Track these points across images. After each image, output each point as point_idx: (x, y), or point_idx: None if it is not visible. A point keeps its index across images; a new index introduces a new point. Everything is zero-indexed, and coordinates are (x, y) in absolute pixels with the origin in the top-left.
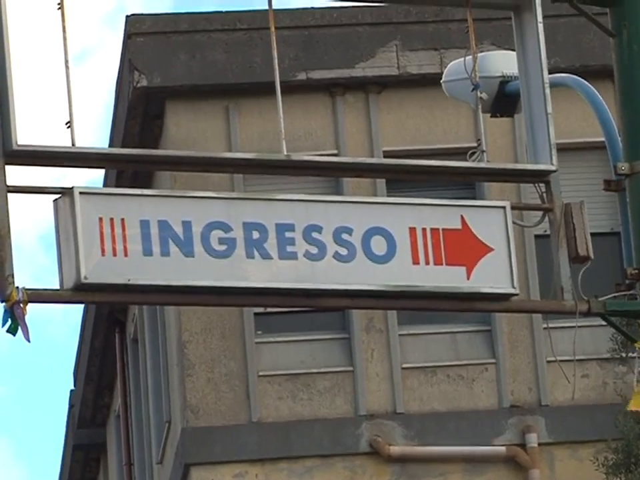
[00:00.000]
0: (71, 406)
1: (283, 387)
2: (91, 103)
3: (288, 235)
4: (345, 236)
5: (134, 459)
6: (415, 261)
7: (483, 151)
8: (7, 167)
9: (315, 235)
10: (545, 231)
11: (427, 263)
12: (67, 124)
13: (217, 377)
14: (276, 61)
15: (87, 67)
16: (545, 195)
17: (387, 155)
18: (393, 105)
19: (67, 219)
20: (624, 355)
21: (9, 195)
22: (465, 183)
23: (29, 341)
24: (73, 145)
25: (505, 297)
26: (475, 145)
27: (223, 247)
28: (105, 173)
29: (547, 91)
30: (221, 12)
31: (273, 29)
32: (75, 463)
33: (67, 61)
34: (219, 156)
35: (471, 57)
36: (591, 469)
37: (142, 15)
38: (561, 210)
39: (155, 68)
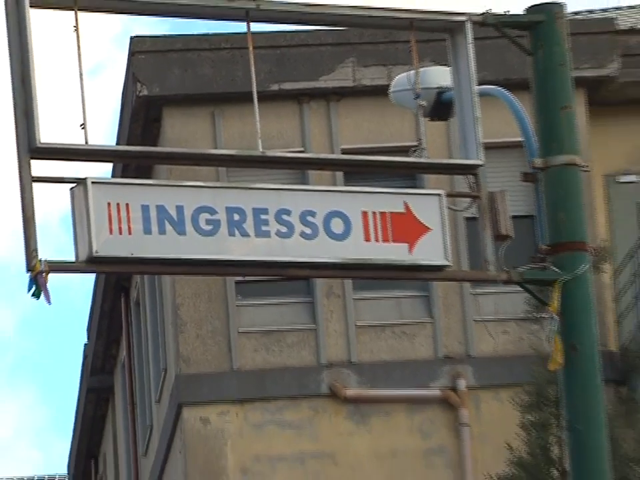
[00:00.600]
0: (84, 357)
1: (259, 341)
2: (101, 109)
3: (263, 217)
4: (309, 218)
5: (136, 399)
6: (367, 239)
7: (423, 149)
8: (32, 161)
9: (284, 217)
10: (473, 215)
11: (377, 240)
12: (81, 125)
13: (204, 333)
14: (253, 75)
15: (99, 79)
16: (473, 184)
17: (345, 151)
18: (350, 111)
19: (81, 204)
20: (537, 315)
21: (34, 184)
22: (408, 175)
23: (49, 303)
24: (86, 143)
25: (440, 268)
26: (417, 143)
27: (210, 227)
28: (113, 166)
29: (476, 99)
30: (208, 34)
31: (251, 48)
32: (89, 403)
33: (81, 74)
34: (206, 152)
35: (413, 71)
36: (509, 408)
37: (143, 36)
38: (486, 197)
39: (154, 80)
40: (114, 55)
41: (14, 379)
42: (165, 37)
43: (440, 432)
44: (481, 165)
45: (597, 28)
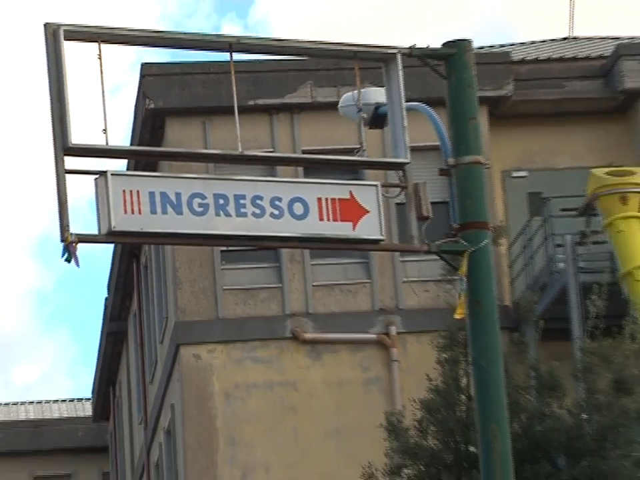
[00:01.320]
0: (105, 307)
1: (238, 297)
2: (118, 118)
3: (241, 201)
4: (277, 202)
5: (144, 340)
6: (321, 219)
7: (363, 150)
8: (65, 157)
9: (258, 201)
10: (402, 201)
11: (328, 219)
12: (103, 130)
13: (197, 290)
14: (234, 93)
15: (117, 96)
16: (402, 177)
17: (304, 152)
18: (308, 121)
19: (102, 191)
20: (450, 278)
21: (66, 175)
22: (352, 170)
23: (78, 267)
24: (107, 144)
25: (376, 241)
26: (359, 146)
27: (201, 209)
28: (127, 162)
29: (404, 112)
30: (200, 62)
31: (232, 72)
32: (108, 343)
33: (103, 91)
34: (199, 152)
35: (357, 91)
36: (429, 349)
37: (151, 63)
38: (412, 187)
39: (159, 96)
40: (129, 77)
41: (52, 324)
42: (167, 63)
43: (376, 366)
44: (407, 163)
45: (496, 59)
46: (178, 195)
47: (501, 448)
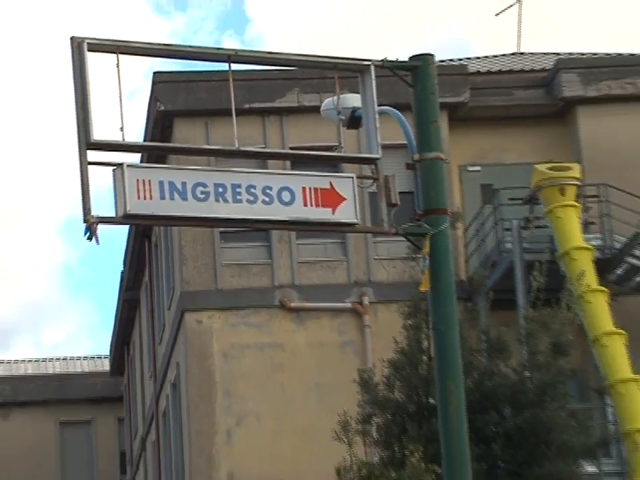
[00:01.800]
0: (121, 279)
1: (234, 271)
2: (133, 118)
3: (237, 190)
4: (267, 191)
5: (155, 307)
6: (305, 205)
7: (342, 147)
8: (88, 151)
9: (252, 190)
10: (374, 190)
11: (311, 205)
12: (120, 129)
13: (199, 265)
14: (232, 97)
15: (133, 100)
16: (374, 170)
17: (292, 149)
18: (295, 122)
19: (119, 180)
20: (414, 256)
21: (89, 166)
22: (332, 164)
23: (98, 244)
24: (123, 140)
25: (352, 224)
26: (338, 144)
27: (203, 196)
28: (141, 156)
29: (376, 116)
30: (203, 71)
31: (231, 80)
32: (124, 309)
33: (120, 96)
34: (202, 147)
35: (336, 97)
36: (396, 316)
37: (162, 72)
38: (382, 179)
39: (168, 100)
40: (142, 84)
41: (76, 293)
42: (175, 72)
43: (351, 331)
44: (378, 158)
45: (455, 71)
46: (184, 183)
47: (456, 400)
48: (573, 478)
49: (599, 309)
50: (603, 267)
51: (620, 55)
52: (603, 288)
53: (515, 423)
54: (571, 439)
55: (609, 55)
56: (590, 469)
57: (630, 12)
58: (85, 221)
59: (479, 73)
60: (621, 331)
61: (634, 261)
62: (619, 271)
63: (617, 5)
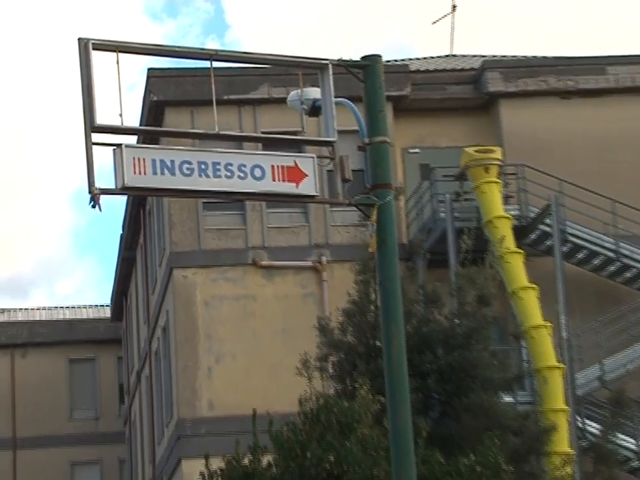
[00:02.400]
0: (120, 240)
1: (214, 234)
2: (131, 107)
3: (217, 167)
4: (242, 168)
5: (148, 264)
6: (274, 180)
7: (304, 132)
8: (93, 134)
9: (229, 167)
10: (331, 169)
11: (279, 180)
12: (120, 115)
13: (185, 229)
14: (213, 90)
15: (131, 92)
16: (331, 151)
17: (263, 133)
18: (266, 111)
19: (119, 158)
20: (364, 223)
21: (93, 147)
22: (296, 145)
23: (100, 211)
24: (122, 124)
25: (313, 196)
26: (301, 129)
27: (189, 172)
28: (137, 138)
29: (333, 106)
30: (190, 68)
31: (212, 75)
32: (123, 266)
33: (119, 88)
34: (188, 131)
35: (300, 90)
36: (349, 273)
37: (155, 68)
38: (338, 159)
39: (160, 92)
40: (139, 78)
41: (84, 252)
42: (166, 68)
43: (311, 285)
44: (335, 141)
45: (398, 69)
46: (172, 161)
47: (398, 342)
48: (493, 406)
49: (516, 268)
50: (520, 233)
51: (535, 57)
52: (519, 250)
53: (446, 361)
54: (492, 374)
55: (526, 57)
56: (507, 398)
57: (544, 22)
58: (90, 192)
59: (418, 71)
60: (533, 285)
61: (545, 228)
62: (533, 236)
63: (534, 16)
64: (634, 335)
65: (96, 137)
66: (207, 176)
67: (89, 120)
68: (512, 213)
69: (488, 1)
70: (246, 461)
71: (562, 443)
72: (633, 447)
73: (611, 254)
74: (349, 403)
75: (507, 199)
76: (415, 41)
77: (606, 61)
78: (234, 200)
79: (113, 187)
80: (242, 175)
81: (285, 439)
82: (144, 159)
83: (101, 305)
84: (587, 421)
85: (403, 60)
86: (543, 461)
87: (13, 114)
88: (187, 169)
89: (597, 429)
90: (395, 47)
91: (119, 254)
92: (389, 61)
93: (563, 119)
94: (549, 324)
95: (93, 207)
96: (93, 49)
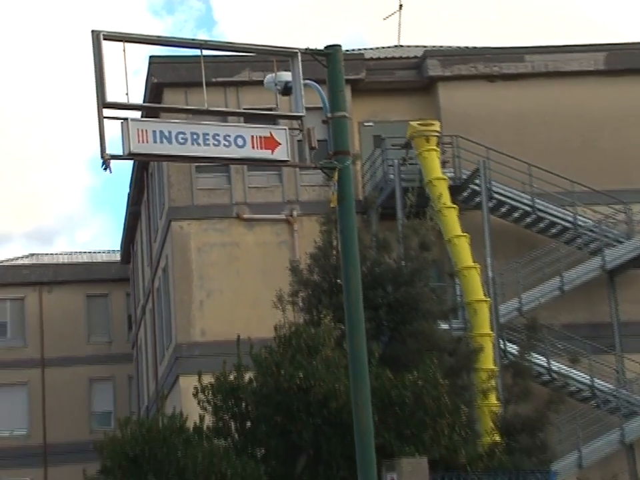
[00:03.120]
0: (128, 198)
1: (205, 193)
2: (136, 88)
3: (207, 137)
4: (227, 138)
5: (151, 216)
6: (253, 147)
7: (278, 108)
8: (104, 109)
9: (217, 137)
10: (301, 139)
11: (258, 148)
12: (126, 94)
13: (181, 188)
14: (203, 73)
15: (137, 76)
16: (300, 124)
17: (244, 109)
18: (247, 91)
19: (125, 129)
20: (328, 182)
21: (105, 119)
22: (272, 119)
23: (111, 173)
24: (128, 102)
25: (285, 161)
26: (275, 106)
27: (183, 141)
28: (140, 113)
29: (302, 86)
30: (184, 55)
31: (202, 62)
32: (130, 219)
33: (126, 71)
34: (182, 107)
35: (275, 74)
36: (315, 224)
37: (156, 55)
38: (306, 130)
39: (160, 75)
40: (142, 64)
41: (99, 208)
42: (165, 56)
43: (285, 234)
44: (303, 116)
45: (355, 57)
46: (169, 132)
47: (355, 280)
48: (432, 332)
49: (451, 220)
50: (454, 191)
51: (467, 47)
52: (454, 205)
53: (394, 296)
54: (431, 306)
55: (460, 47)
56: (444, 326)
57: (476, 17)
58: (102, 157)
59: (371, 59)
60: (465, 234)
61: (474, 187)
62: (465, 194)
63: (468, 12)
64: (546, 274)
65: (107, 112)
66: (199, 144)
67: (100, 98)
68: (448, 175)
69: (430, 0)
70: (231, 377)
71: (487, 361)
72: (544, 364)
73: (527, 208)
74: (315, 330)
75: (443, 163)
76: (368, 33)
77: (524, 51)
78: (221, 164)
79: (121, 153)
80: (227, 143)
81: (263, 359)
82: (146, 130)
83: (112, 251)
84: (508, 343)
85: (359, 49)
86: (472, 375)
87: (38, 92)
88: (182, 138)
89: (515, 350)
90: (353, 38)
91: (126, 209)
92: (347, 50)
93: (489, 98)
94: (478, 265)
95: (105, 169)
96: (104, 39)
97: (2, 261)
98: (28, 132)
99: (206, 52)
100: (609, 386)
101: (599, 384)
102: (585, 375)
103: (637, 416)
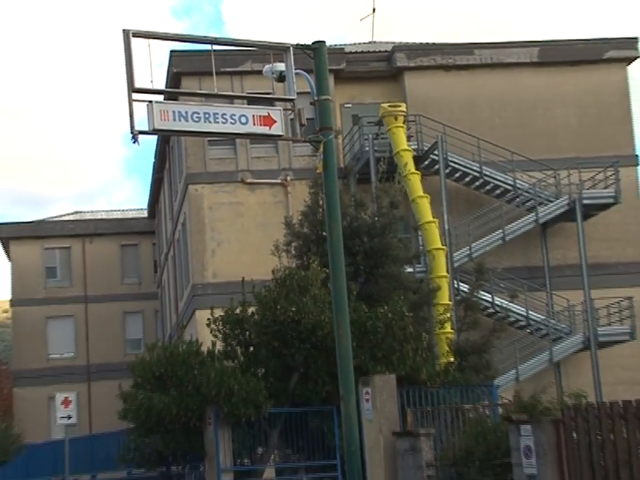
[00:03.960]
0: (153, 166)
1: (216, 161)
2: (159, 76)
3: (216, 116)
4: (233, 117)
5: (172, 181)
6: (254, 124)
7: (274, 92)
8: (133, 93)
9: (224, 116)
10: (292, 117)
11: (258, 125)
12: (151, 81)
13: (197, 158)
14: (213, 65)
15: (160, 67)
16: (292, 105)
17: (248, 93)
18: (250, 79)
19: (150, 110)
20: (316, 153)
21: (133, 102)
22: (269, 102)
23: (139, 145)
24: (153, 87)
25: (280, 136)
26: (272, 90)
27: (198, 119)
28: (163, 97)
29: (293, 75)
30: (199, 50)
31: (212, 55)
32: (155, 184)
33: (150, 63)
34: (198, 92)
35: (272, 64)
36: (305, 187)
37: (176, 50)
38: (297, 110)
39: (179, 66)
40: (164, 57)
41: (131, 174)
42: (183, 50)
43: (280, 195)
44: (295, 99)
45: (336, 51)
46: (187, 112)
47: (337, 233)
48: (399, 275)
49: (415, 183)
50: (418, 160)
51: (428, 43)
52: (417, 172)
53: (369, 245)
54: (399, 253)
55: (422, 43)
56: (409, 269)
57: (436, 18)
58: (132, 132)
59: (350, 52)
60: (426, 195)
61: (434, 157)
62: (426, 162)
63: (430, 14)
64: (491, 227)
65: (135, 96)
66: (210, 122)
67: (130, 84)
68: (412, 147)
69: (399, 3)
70: (237, 311)
71: (444, 297)
72: (489, 299)
73: (476, 174)
74: (305, 272)
75: (409, 137)
76: (348, 31)
77: (474, 46)
78: (228, 138)
79: (147, 129)
80: (233, 121)
81: (263, 296)
82: (167, 111)
83: (141, 208)
84: (460, 283)
85: (340, 45)
86: (431, 309)
87: (84, 80)
88: (197, 117)
89: (466, 288)
90: (335, 35)
91: (152, 175)
92: (330, 46)
93: (445, 84)
94: (436, 220)
95: (134, 142)
96: (133, 36)
97: (52, 217)
98: (75, 111)
99: (216, 47)
100: (541, 317)
101: (532, 315)
102: (521, 308)
103: (562, 340)
